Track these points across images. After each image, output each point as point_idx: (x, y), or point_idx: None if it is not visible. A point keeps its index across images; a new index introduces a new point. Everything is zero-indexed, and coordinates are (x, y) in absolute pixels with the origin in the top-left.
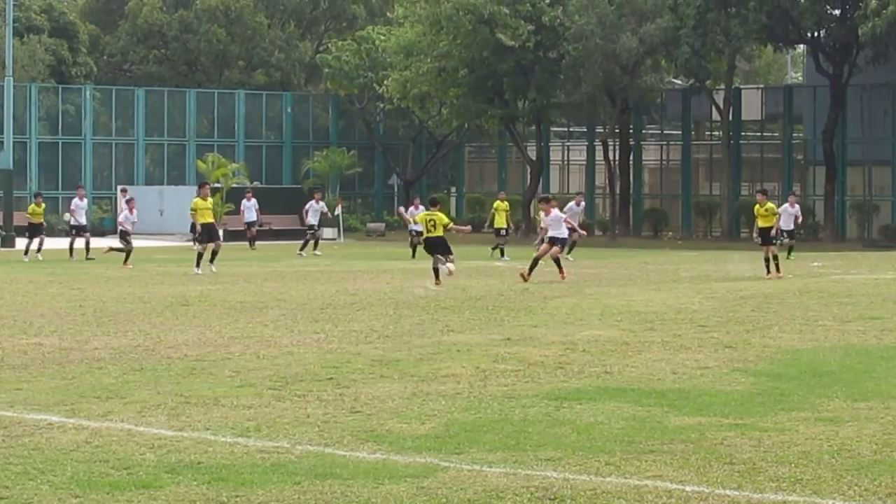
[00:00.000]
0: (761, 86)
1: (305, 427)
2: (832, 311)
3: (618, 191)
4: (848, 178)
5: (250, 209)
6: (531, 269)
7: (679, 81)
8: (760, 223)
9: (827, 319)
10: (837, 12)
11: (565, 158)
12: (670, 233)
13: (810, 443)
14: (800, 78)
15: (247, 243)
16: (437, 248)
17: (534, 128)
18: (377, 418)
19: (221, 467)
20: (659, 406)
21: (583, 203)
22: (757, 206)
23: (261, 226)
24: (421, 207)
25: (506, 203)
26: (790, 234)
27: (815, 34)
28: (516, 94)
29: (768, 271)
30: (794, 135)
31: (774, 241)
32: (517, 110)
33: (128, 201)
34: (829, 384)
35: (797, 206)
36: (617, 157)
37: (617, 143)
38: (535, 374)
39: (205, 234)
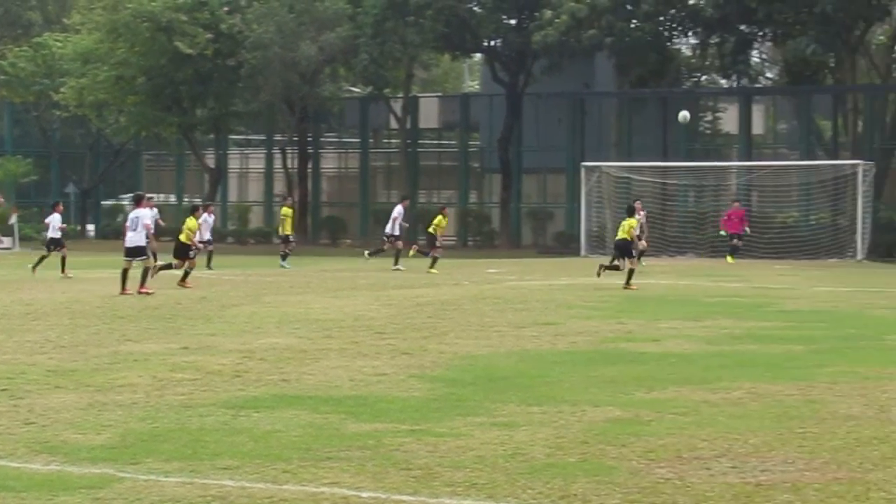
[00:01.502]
0: (439, 94)
1: None
2: (507, 317)
3: (296, 199)
4: (523, 185)
5: None
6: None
7: (357, 90)
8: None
9: (502, 325)
10: (514, 22)
11: (244, 166)
12: (348, 240)
13: (485, 447)
14: (477, 86)
15: None
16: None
17: (212, 136)
18: (52, 429)
19: None
20: (336, 413)
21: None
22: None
23: None
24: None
25: (292, 210)
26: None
27: (492, 43)
28: (195, 102)
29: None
30: (471, 143)
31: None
32: (195, 118)
33: None
34: (504, 389)
35: (642, 213)
36: (295, 165)
37: (296, 152)
38: (212, 382)
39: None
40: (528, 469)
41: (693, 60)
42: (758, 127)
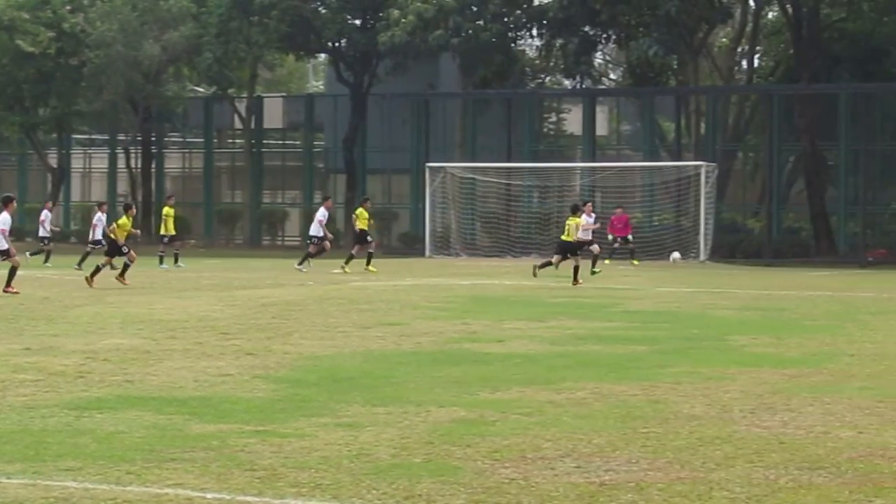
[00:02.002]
0: (283, 94)
1: None
2: (352, 318)
3: (140, 199)
4: (368, 186)
5: None
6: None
7: (202, 89)
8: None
9: (347, 326)
10: (359, 22)
11: (87, 166)
12: (192, 240)
13: (330, 448)
14: (321, 87)
15: None
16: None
17: (55, 135)
18: None
19: None
20: (180, 414)
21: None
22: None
23: None
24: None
25: (173, 209)
26: (588, 243)
27: (337, 44)
28: (37, 101)
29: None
30: (316, 143)
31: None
32: (38, 117)
33: None
34: (349, 390)
35: (593, 216)
36: (139, 165)
37: (139, 151)
38: (55, 383)
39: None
40: (372, 469)
41: (537, 62)
42: (601, 128)
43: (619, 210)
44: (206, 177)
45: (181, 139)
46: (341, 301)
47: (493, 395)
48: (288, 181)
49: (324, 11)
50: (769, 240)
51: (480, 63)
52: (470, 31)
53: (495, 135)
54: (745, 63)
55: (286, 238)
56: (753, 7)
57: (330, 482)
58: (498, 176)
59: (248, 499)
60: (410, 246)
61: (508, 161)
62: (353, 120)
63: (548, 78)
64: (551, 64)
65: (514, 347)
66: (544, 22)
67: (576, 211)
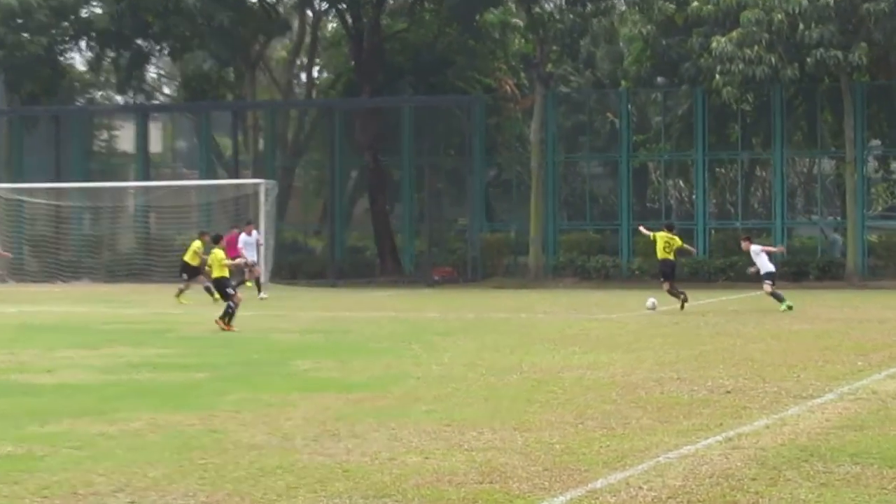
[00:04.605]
0: None
1: None
2: None
3: None
4: None
5: None
6: None
7: None
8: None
9: None
10: None
11: None
12: None
13: None
14: None
15: None
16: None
17: None
18: None
19: None
20: None
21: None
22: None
23: None
24: None
25: None
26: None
27: None
28: None
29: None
30: None
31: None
32: None
33: None
34: None
35: (757, 246)
36: None
37: None
38: None
39: None
40: None
41: (87, 76)
42: (155, 145)
43: (235, 230)
44: None
45: None
46: None
47: (43, 428)
48: None
49: None
50: (332, 259)
51: (26, 77)
52: (14, 44)
53: (44, 153)
54: (304, 76)
55: None
56: (312, 18)
57: None
58: (47, 197)
59: None
60: None
61: (58, 181)
62: None
63: (99, 93)
64: (102, 78)
65: (64, 377)
66: (93, 34)
67: (671, 229)
